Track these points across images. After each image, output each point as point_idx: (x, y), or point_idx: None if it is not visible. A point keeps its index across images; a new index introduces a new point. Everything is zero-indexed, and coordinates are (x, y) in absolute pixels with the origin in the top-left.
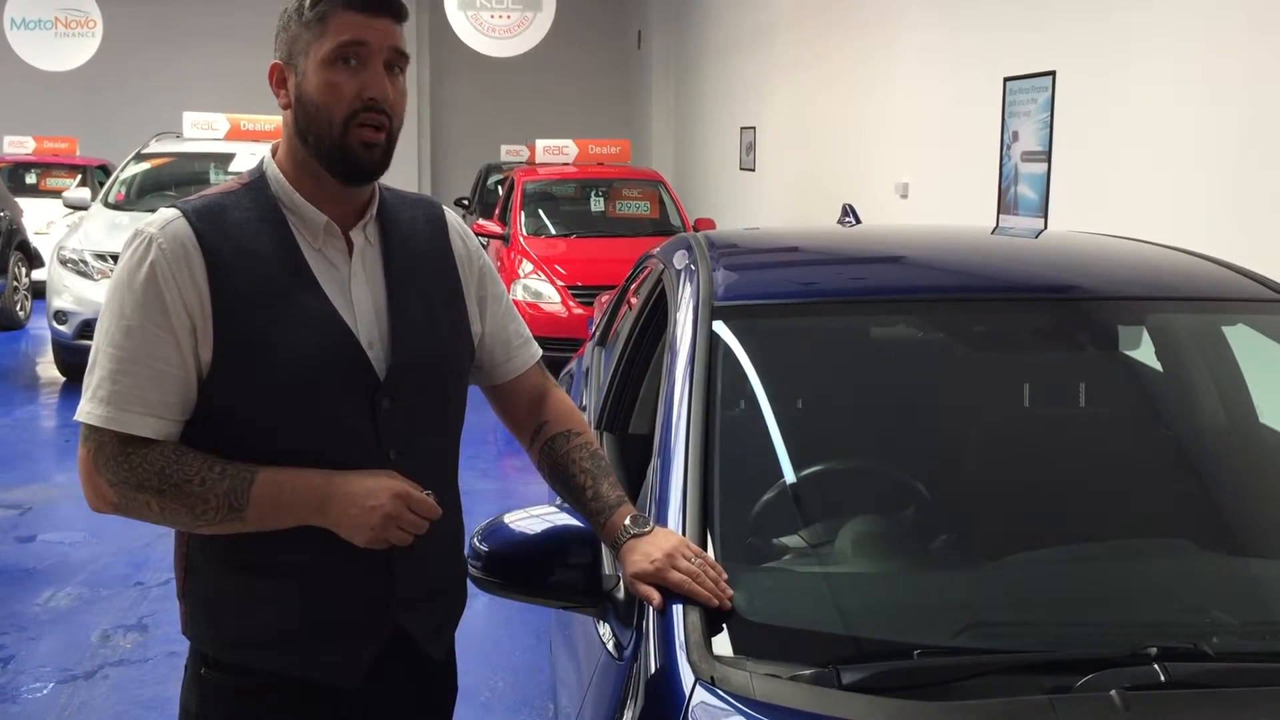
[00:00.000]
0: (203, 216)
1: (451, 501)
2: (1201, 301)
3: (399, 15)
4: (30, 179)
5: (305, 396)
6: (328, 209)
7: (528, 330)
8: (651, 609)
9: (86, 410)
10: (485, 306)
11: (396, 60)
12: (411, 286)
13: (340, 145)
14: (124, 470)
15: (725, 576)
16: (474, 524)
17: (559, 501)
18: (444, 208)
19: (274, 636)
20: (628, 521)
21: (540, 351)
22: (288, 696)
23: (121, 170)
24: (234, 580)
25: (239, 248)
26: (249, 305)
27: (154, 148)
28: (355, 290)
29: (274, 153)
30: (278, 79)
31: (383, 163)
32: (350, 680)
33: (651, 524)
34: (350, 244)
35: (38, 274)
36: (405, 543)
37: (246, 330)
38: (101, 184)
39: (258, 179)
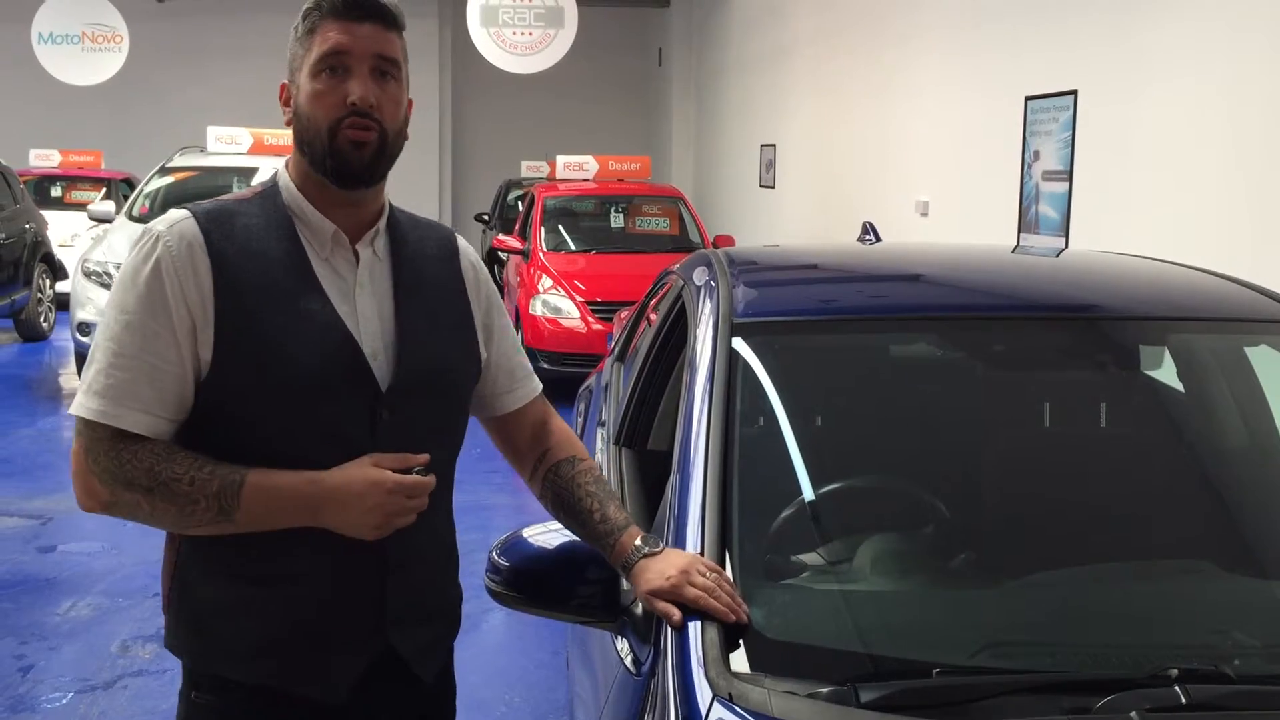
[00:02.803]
0: (212, 219)
1: (444, 522)
2: (1224, 322)
3: (388, 21)
4: (56, 192)
5: (305, 401)
6: (335, 218)
7: (530, 365)
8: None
9: (81, 404)
10: (491, 336)
11: (384, 66)
12: (419, 303)
13: (329, 150)
14: (114, 466)
15: (738, 592)
16: (491, 538)
17: None
18: (457, 235)
19: (260, 647)
20: (639, 541)
21: (541, 386)
22: (276, 716)
23: (146, 184)
24: (225, 590)
25: (245, 251)
26: (252, 307)
27: (178, 161)
28: (360, 300)
29: (288, 165)
30: (284, 98)
31: (375, 164)
32: (336, 696)
33: (662, 544)
34: (358, 256)
35: (62, 286)
36: (410, 521)
37: (248, 332)
38: (126, 197)
39: (270, 188)
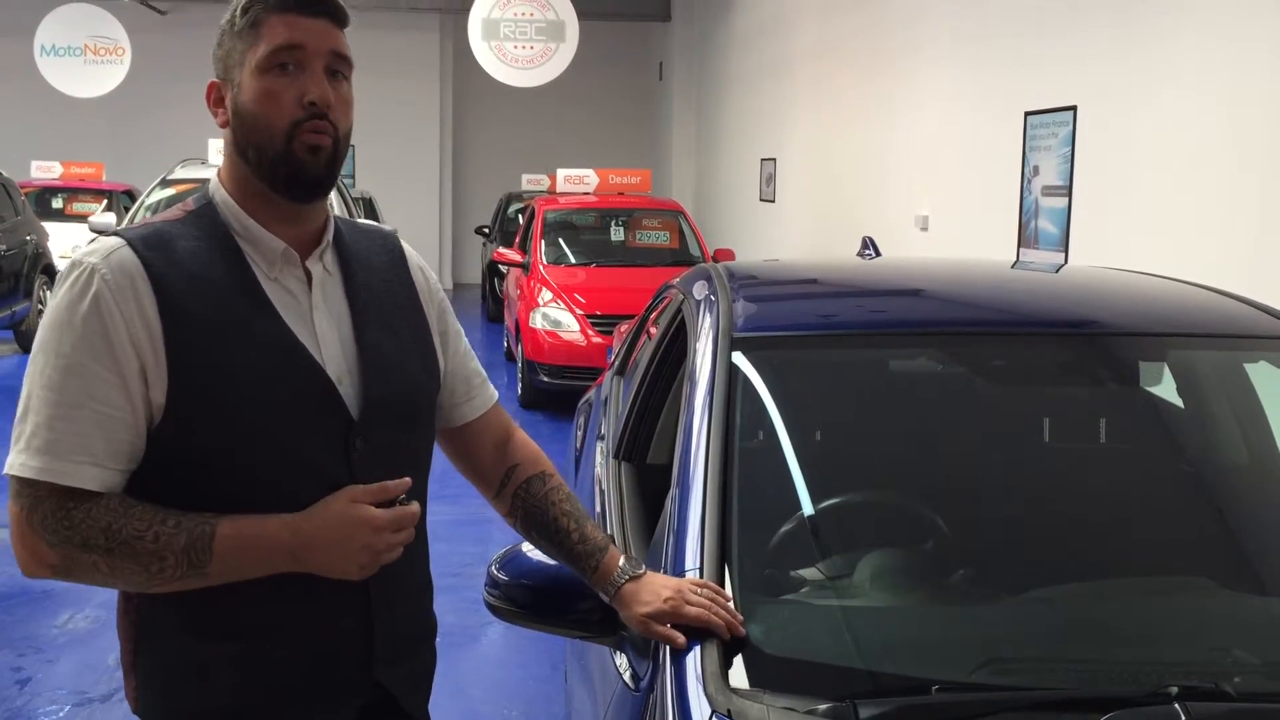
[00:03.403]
0: (149, 245)
1: (422, 547)
2: (1223, 338)
3: (338, 18)
4: (57, 203)
5: (274, 438)
6: (281, 234)
7: (484, 371)
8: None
9: (19, 463)
10: (447, 342)
11: (338, 65)
12: (377, 319)
13: (283, 156)
14: (64, 529)
15: (730, 600)
16: (491, 552)
17: None
18: (400, 239)
19: (239, 708)
20: (623, 563)
21: (497, 393)
22: None
23: (147, 196)
24: (194, 647)
25: (190, 277)
26: (206, 339)
27: (179, 174)
28: (319, 322)
29: (220, 176)
30: (214, 98)
31: (329, 172)
32: None
33: (643, 566)
34: (309, 274)
35: None
36: (397, 556)
37: (205, 367)
38: (127, 209)
39: (205, 206)
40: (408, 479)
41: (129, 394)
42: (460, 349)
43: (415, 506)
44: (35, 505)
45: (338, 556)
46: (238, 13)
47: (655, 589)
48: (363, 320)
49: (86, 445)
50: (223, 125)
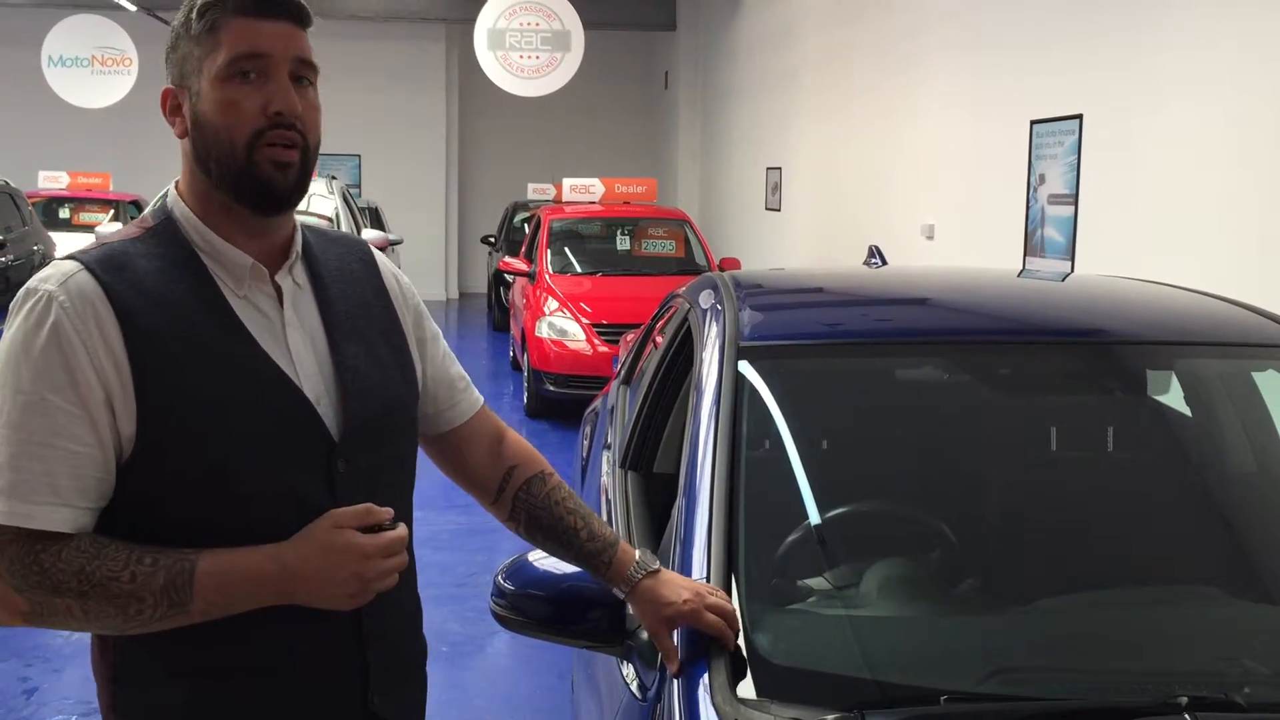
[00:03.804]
0: (107, 267)
1: (409, 572)
2: (1231, 346)
3: (301, 19)
4: (64, 213)
5: (252, 465)
6: (247, 248)
7: (467, 375)
8: (677, 648)
9: None
10: (425, 349)
11: (303, 70)
12: (353, 333)
13: (247, 170)
14: (34, 574)
15: (736, 610)
16: (498, 561)
17: None
18: (371, 246)
19: None
20: (639, 557)
21: (482, 397)
22: None
23: (153, 206)
24: (176, 688)
25: (154, 300)
26: (175, 365)
27: None
28: (293, 341)
29: (179, 189)
30: (171, 106)
31: (299, 186)
32: None
33: (657, 561)
34: (278, 289)
35: None
36: (393, 584)
37: (176, 394)
38: (134, 219)
39: (164, 221)
40: (390, 510)
41: (95, 427)
42: (439, 354)
43: (403, 530)
44: (1, 551)
45: (325, 586)
46: (193, 15)
47: (675, 589)
48: (337, 334)
49: (53, 485)
50: (181, 136)
